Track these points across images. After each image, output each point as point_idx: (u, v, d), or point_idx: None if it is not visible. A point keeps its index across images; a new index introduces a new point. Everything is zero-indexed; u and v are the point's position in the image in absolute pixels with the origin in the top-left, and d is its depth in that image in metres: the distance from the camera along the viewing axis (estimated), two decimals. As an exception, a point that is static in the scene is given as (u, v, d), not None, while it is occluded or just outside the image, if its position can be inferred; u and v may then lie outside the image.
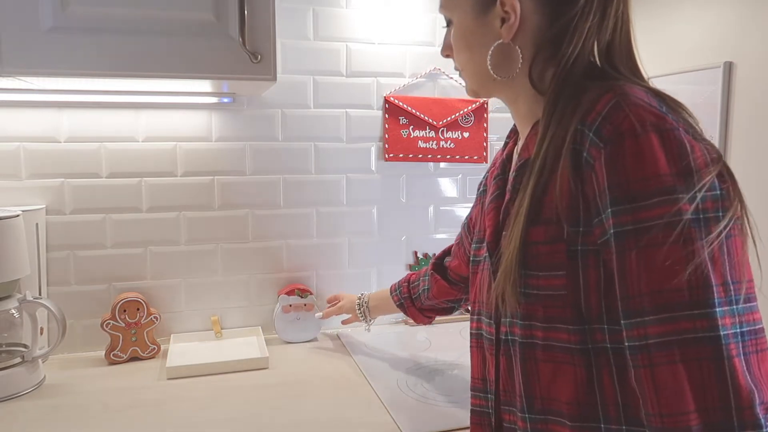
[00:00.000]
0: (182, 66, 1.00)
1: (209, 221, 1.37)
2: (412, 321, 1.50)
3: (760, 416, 0.49)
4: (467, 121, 1.51)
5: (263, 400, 1.06)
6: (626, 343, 0.53)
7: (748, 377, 0.49)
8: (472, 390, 0.76)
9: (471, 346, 0.77)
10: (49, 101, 1.24)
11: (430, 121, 1.48)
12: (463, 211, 1.56)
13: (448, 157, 1.51)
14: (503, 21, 0.65)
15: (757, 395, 0.49)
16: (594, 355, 0.58)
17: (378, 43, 1.44)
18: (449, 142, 1.50)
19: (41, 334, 1.17)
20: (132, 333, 1.25)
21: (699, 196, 0.51)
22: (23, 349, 1.14)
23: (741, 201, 0.53)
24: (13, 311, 1.12)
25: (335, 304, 1.35)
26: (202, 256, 1.37)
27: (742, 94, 1.17)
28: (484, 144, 1.53)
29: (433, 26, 1.47)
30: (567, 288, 0.58)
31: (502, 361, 0.67)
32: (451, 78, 1.49)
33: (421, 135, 1.49)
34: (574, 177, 0.56)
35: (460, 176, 1.55)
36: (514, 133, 0.77)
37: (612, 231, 0.53)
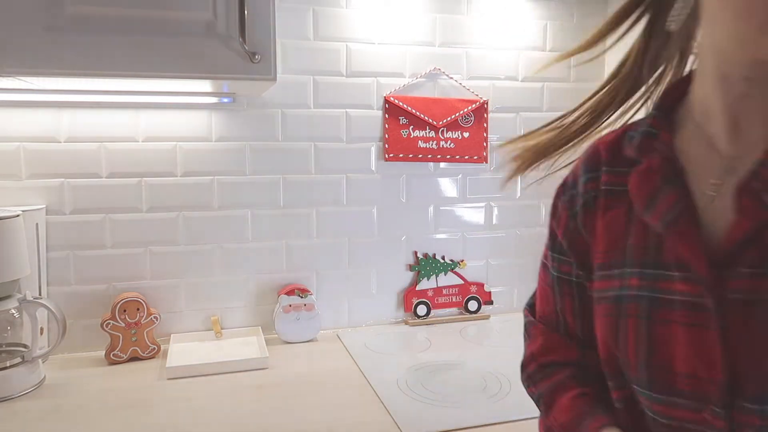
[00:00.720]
0: (182, 66, 1.00)
1: (209, 221, 1.37)
2: (411, 321, 1.50)
3: None
4: (467, 121, 1.51)
5: (263, 400, 1.06)
6: None
7: None
8: None
9: None
10: (49, 101, 1.24)
11: (430, 121, 1.48)
12: (463, 210, 1.56)
13: (448, 157, 1.51)
14: None
15: None
16: None
17: (378, 43, 1.44)
18: (449, 142, 1.50)
19: (41, 334, 1.17)
20: (132, 333, 1.25)
21: None
22: (23, 349, 1.14)
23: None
24: (13, 311, 1.12)
25: None
26: (202, 256, 1.37)
27: (742, 94, 1.17)
28: (484, 144, 1.53)
29: (433, 26, 1.47)
30: None
31: None
32: (452, 78, 1.49)
33: (421, 135, 1.49)
34: None
35: (460, 176, 1.55)
36: (663, 124, 0.56)
37: None
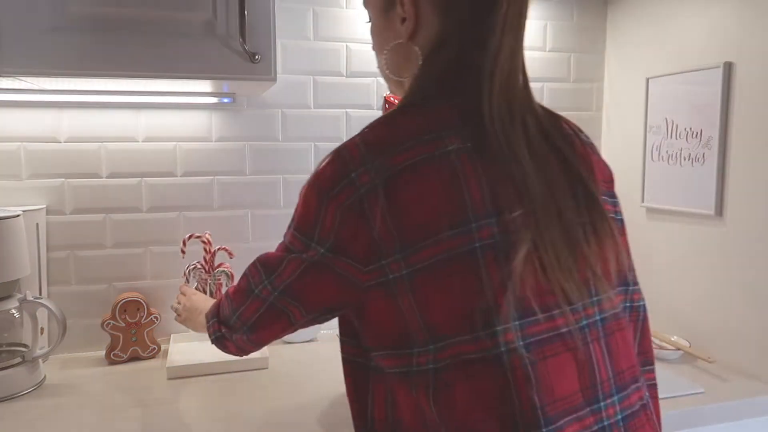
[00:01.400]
0: (182, 66, 1.00)
1: (209, 221, 1.37)
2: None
3: None
4: (467, 121, 1.51)
5: (263, 400, 1.06)
6: None
7: None
8: None
9: None
10: (49, 101, 1.24)
11: (430, 121, 1.48)
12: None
13: (448, 157, 1.51)
14: (403, 21, 0.65)
15: None
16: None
17: (378, 43, 1.44)
18: (449, 142, 1.50)
19: (41, 334, 1.17)
20: (132, 333, 1.25)
21: None
22: (23, 349, 1.14)
23: None
24: (14, 311, 1.12)
25: None
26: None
27: (742, 94, 1.17)
28: (484, 144, 1.53)
29: (433, 26, 1.47)
30: None
31: None
32: (451, 78, 1.49)
33: (421, 135, 1.48)
34: None
35: (460, 176, 1.55)
36: None
37: None
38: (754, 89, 1.14)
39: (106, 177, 1.30)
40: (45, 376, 1.15)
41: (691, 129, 1.28)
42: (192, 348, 1.31)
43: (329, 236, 0.60)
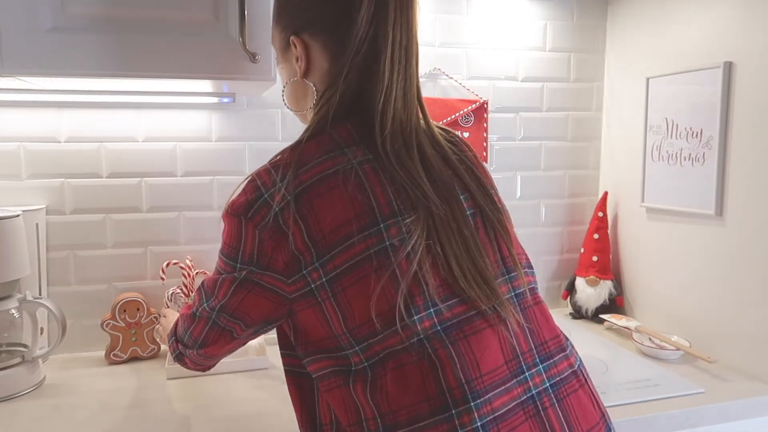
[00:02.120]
0: (182, 66, 1.00)
1: (209, 221, 1.37)
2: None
3: None
4: (467, 121, 1.51)
5: (263, 400, 1.06)
6: None
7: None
8: None
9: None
10: (49, 101, 1.24)
11: (430, 121, 1.48)
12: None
13: (448, 157, 1.51)
14: (297, 60, 0.71)
15: None
16: None
17: (378, 43, 1.43)
18: (449, 142, 1.50)
19: (41, 334, 1.17)
20: (132, 333, 1.25)
21: None
22: (23, 349, 1.14)
23: None
24: (13, 311, 1.12)
25: None
26: (203, 256, 1.37)
27: (742, 94, 1.17)
28: (484, 144, 1.53)
29: (433, 26, 1.47)
30: None
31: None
32: (451, 78, 1.49)
33: (421, 135, 1.48)
34: None
35: (460, 176, 1.55)
36: None
37: None
38: (754, 89, 1.14)
39: (106, 177, 1.30)
40: (45, 376, 1.15)
41: (691, 129, 1.28)
42: (192, 348, 1.31)
43: (252, 255, 0.65)
